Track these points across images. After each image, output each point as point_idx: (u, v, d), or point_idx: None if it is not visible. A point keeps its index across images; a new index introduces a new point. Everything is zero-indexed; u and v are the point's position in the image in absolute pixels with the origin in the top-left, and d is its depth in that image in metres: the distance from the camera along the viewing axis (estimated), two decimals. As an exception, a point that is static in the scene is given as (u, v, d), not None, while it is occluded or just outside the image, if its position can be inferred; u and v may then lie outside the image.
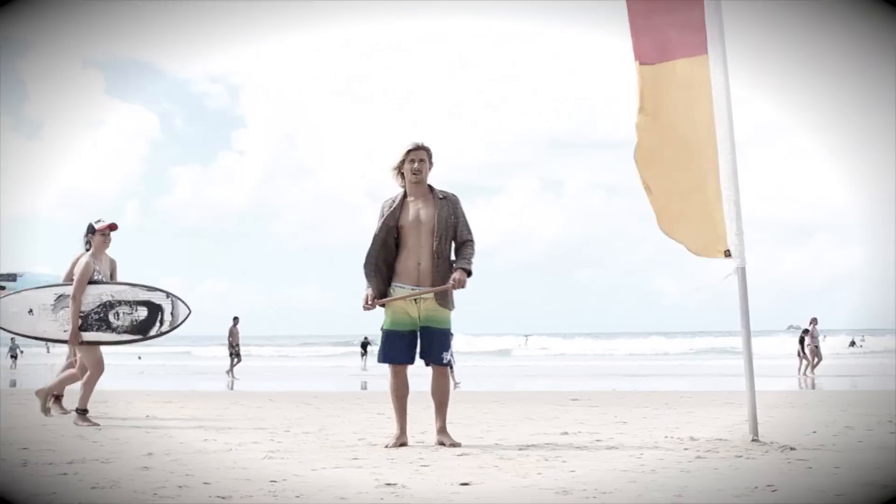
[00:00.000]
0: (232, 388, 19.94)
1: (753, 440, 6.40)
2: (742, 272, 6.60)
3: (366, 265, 6.64)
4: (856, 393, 14.01)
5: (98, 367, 8.47)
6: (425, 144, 6.70)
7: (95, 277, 8.55)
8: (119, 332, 8.49)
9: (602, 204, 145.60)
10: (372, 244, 6.64)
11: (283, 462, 5.71)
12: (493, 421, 8.94)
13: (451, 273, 6.58)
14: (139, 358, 45.64)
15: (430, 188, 6.73)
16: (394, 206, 6.67)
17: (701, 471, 5.16)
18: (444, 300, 6.64)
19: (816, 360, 24.53)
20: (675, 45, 6.79)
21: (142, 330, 8.53)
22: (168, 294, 8.66)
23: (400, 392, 6.71)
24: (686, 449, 6.21)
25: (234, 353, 25.81)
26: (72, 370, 9.13)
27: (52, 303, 8.58)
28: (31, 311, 8.61)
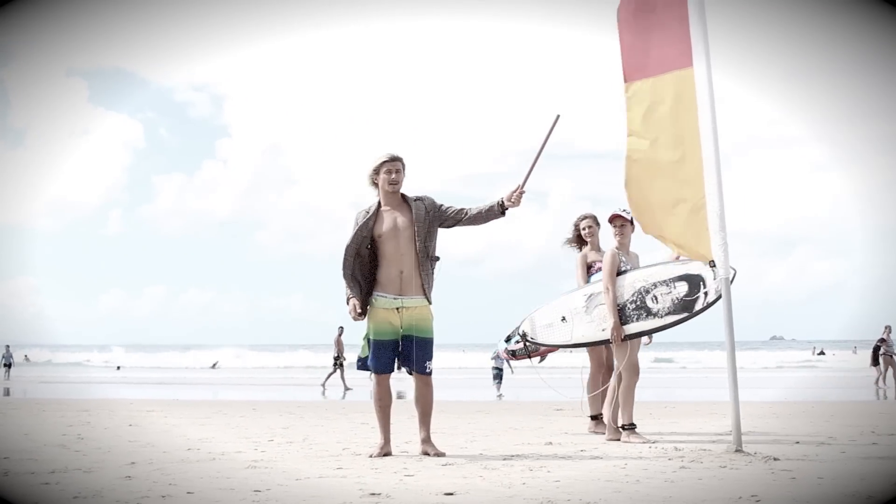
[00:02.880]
0: (325, 397, 19.85)
1: (737, 450, 6.42)
2: (726, 283, 6.63)
3: (344, 276, 6.63)
4: (838, 404, 14.07)
5: (634, 371, 7.79)
6: (399, 155, 6.72)
7: (622, 268, 7.83)
8: (661, 316, 7.57)
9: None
10: (345, 255, 6.63)
11: (267, 471, 5.69)
12: (478, 431, 8.94)
13: (428, 273, 6.65)
14: (118, 368, 45.43)
15: (403, 196, 6.75)
16: (368, 216, 6.67)
17: (685, 481, 5.17)
18: (429, 286, 6.64)
19: (892, 369, 24.49)
20: (660, 59, 6.84)
21: (686, 307, 7.48)
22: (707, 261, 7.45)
23: (383, 402, 6.71)
24: (670, 459, 6.22)
25: (338, 364, 25.21)
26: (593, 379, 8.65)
27: (584, 304, 7.92)
28: (563, 318, 7.99)
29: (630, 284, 7.72)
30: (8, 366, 34.04)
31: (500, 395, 20.08)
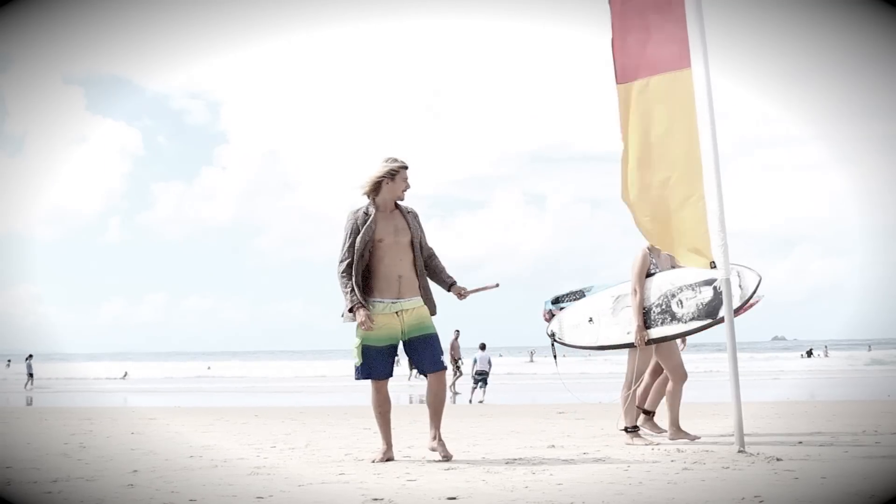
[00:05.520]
0: (454, 402, 19.82)
1: (740, 451, 6.42)
2: (727, 283, 6.63)
3: (353, 280, 6.51)
4: (841, 403, 14.05)
5: (646, 373, 7.69)
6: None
7: (653, 270, 7.67)
8: (685, 321, 7.41)
9: (586, 217, 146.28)
10: (350, 256, 6.53)
11: (270, 478, 5.68)
12: (480, 434, 8.93)
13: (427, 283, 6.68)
14: (125, 374, 45.48)
15: (395, 204, 6.72)
16: (368, 219, 6.58)
17: (688, 482, 5.17)
18: (430, 306, 6.67)
19: None
20: (658, 60, 6.84)
21: (710, 313, 7.33)
22: (732, 265, 7.22)
23: (383, 408, 6.66)
24: (673, 461, 6.21)
25: (456, 368, 24.69)
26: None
27: (611, 305, 7.78)
28: (590, 319, 7.85)
29: (657, 287, 7.58)
30: (30, 375, 34.38)
31: (481, 401, 20.02)
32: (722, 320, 7.27)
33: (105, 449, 7.73)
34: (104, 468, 6.29)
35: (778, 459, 6.04)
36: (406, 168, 6.65)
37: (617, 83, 6.96)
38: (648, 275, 7.65)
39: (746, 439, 6.63)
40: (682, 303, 7.45)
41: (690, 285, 7.43)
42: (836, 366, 41.66)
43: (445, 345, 24.28)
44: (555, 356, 8.31)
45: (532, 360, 55.43)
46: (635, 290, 7.59)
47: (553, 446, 7.55)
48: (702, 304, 7.36)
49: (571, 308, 8.04)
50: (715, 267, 6.66)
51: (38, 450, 7.66)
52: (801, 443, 7.26)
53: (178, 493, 5.04)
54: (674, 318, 7.47)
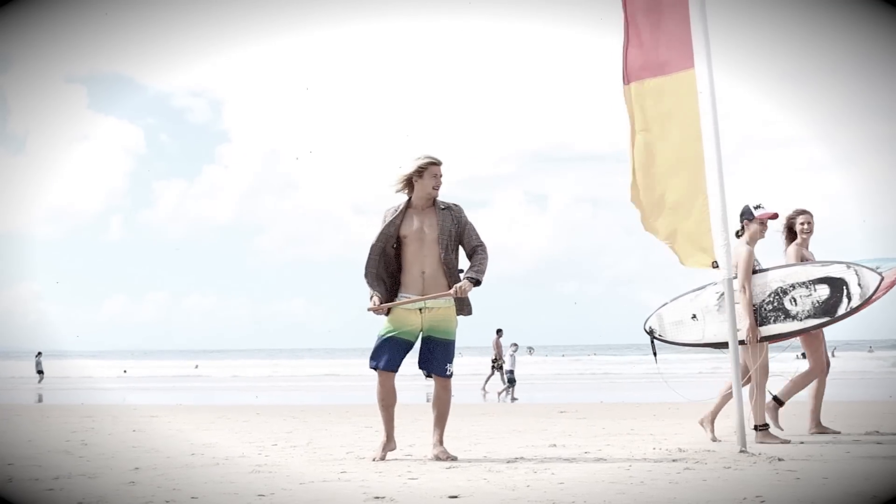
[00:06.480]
0: (484, 399, 19.82)
1: (741, 451, 6.42)
2: (729, 283, 6.63)
3: (366, 275, 6.56)
4: (842, 404, 14.04)
5: (765, 372, 7.51)
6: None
7: (757, 267, 7.59)
8: (801, 319, 7.35)
9: (587, 217, 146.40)
10: (370, 253, 6.56)
11: (271, 476, 5.69)
12: (482, 433, 8.93)
13: (459, 281, 6.53)
14: (125, 371, 45.52)
15: (433, 200, 6.68)
16: (396, 214, 6.60)
17: (689, 482, 5.17)
18: (461, 306, 6.60)
19: None
20: (662, 61, 6.85)
21: (827, 311, 7.30)
22: (849, 264, 7.41)
23: (387, 401, 6.62)
24: (674, 460, 6.21)
25: (497, 367, 24.48)
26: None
27: (716, 302, 7.56)
28: (694, 316, 7.70)
29: (766, 284, 7.48)
30: (40, 372, 34.45)
31: (515, 399, 20.01)
32: (840, 318, 7.32)
33: (106, 446, 7.73)
34: (106, 466, 6.29)
35: (780, 459, 6.04)
36: (435, 164, 6.58)
37: (624, 84, 6.97)
38: (754, 272, 7.55)
39: (748, 439, 6.63)
40: (795, 300, 7.38)
41: (804, 283, 7.39)
42: (837, 366, 41.61)
43: (489, 343, 24.26)
44: (654, 353, 8.09)
45: (531, 356, 55.43)
46: (744, 288, 7.48)
47: (555, 445, 7.55)
48: (818, 301, 7.31)
49: (672, 305, 7.91)
50: (717, 267, 6.67)
51: (40, 447, 7.67)
52: (802, 443, 7.26)
53: (180, 491, 5.04)
54: (787, 315, 7.41)
